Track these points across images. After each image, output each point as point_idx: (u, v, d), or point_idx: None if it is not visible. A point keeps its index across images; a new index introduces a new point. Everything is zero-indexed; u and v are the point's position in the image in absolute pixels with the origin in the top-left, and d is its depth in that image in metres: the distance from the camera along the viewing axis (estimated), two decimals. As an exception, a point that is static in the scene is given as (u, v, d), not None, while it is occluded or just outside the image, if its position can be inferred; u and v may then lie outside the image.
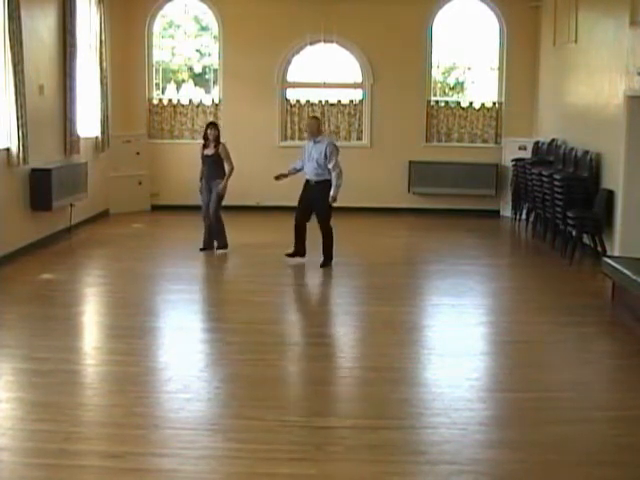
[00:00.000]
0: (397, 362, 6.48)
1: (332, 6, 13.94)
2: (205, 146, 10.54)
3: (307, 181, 9.81)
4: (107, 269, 10.23)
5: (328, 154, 9.59)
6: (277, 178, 10.08)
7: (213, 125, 10.63)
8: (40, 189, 10.43)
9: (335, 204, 9.64)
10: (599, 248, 10.06)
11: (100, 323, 7.92)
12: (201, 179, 10.61)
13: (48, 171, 10.53)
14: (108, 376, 6.16)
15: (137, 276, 9.53)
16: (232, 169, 10.43)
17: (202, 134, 14.44)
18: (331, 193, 9.56)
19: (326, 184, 9.62)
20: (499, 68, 14.48)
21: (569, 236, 10.55)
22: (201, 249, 10.47)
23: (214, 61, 14.77)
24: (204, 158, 10.52)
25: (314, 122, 10.03)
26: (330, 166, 9.59)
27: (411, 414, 5.40)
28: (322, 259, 9.75)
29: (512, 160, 13.59)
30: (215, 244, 10.48)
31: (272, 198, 12.85)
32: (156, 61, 14.71)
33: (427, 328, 7.83)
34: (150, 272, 9.77)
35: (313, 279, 9.43)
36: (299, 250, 9.86)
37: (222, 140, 10.58)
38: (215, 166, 10.43)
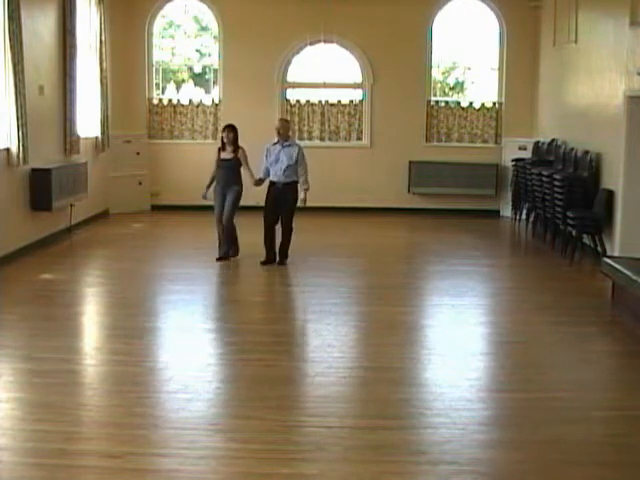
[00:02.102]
0: (397, 362, 6.48)
1: (332, 6, 13.94)
2: (222, 149, 10.07)
3: (273, 183, 9.81)
4: (107, 269, 10.24)
5: (300, 158, 9.73)
6: (258, 183, 9.94)
7: (230, 128, 10.05)
8: (40, 189, 10.43)
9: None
10: (599, 248, 10.06)
11: (100, 323, 7.92)
12: (210, 184, 10.12)
13: (48, 171, 10.53)
14: (108, 376, 6.16)
15: (137, 276, 9.53)
16: (252, 174, 9.99)
17: (202, 134, 14.67)
18: (301, 196, 9.75)
19: (294, 185, 9.79)
20: (499, 68, 14.48)
21: (569, 236, 10.55)
22: (218, 259, 9.96)
23: (214, 61, 14.78)
24: (220, 162, 10.01)
25: (287, 125, 10.13)
26: (301, 170, 9.74)
27: (411, 414, 5.40)
28: (279, 257, 9.81)
29: (512, 160, 13.60)
30: (219, 254, 9.99)
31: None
32: (156, 61, 14.73)
33: (427, 328, 7.83)
34: (150, 272, 9.77)
35: (312, 279, 9.43)
36: (271, 256, 9.82)
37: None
38: (233, 171, 9.98)
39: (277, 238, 9.88)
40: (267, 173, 9.92)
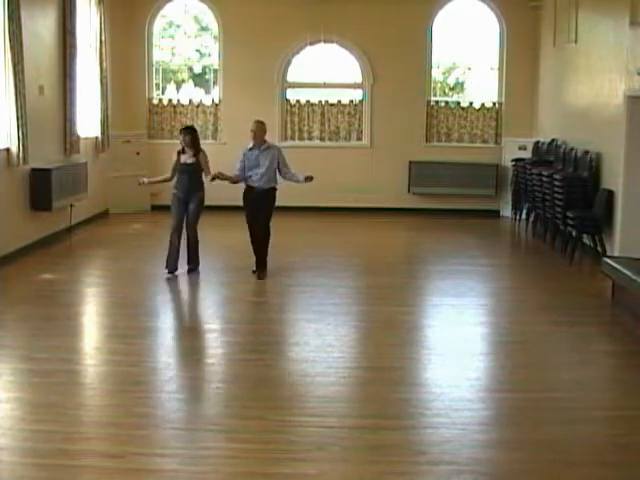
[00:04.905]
0: (397, 362, 6.48)
1: (332, 6, 13.95)
2: (182, 152, 9.40)
3: (251, 189, 9.31)
4: (107, 269, 10.24)
5: (282, 161, 9.29)
6: (215, 178, 9.22)
7: (186, 130, 9.45)
8: (40, 189, 10.44)
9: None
10: (599, 248, 10.06)
11: (100, 323, 7.93)
12: (159, 181, 9.75)
13: (48, 171, 10.53)
14: (108, 376, 6.16)
15: (137, 276, 9.53)
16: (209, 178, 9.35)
17: (202, 134, 14.56)
18: (307, 175, 9.25)
19: (273, 192, 9.35)
20: (499, 68, 14.48)
21: (569, 236, 10.55)
22: (170, 271, 9.19)
23: (214, 61, 14.78)
24: (181, 167, 9.34)
25: (263, 127, 9.34)
26: (287, 169, 9.31)
27: (411, 414, 5.40)
28: (257, 273, 9.29)
29: (512, 160, 13.60)
30: (187, 266, 9.36)
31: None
32: (156, 61, 14.73)
33: (427, 328, 7.84)
34: (150, 272, 9.75)
35: (312, 279, 9.43)
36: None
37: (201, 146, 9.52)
38: (195, 177, 9.32)
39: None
40: (239, 178, 9.40)
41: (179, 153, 9.45)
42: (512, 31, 14.21)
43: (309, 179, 9.31)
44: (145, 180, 9.65)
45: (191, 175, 9.36)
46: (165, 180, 9.65)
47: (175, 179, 9.48)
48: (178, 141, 9.62)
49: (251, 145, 9.35)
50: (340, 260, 10.51)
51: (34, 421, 5.16)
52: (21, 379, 6.03)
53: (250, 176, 9.33)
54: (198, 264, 9.49)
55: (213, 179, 9.26)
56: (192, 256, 9.44)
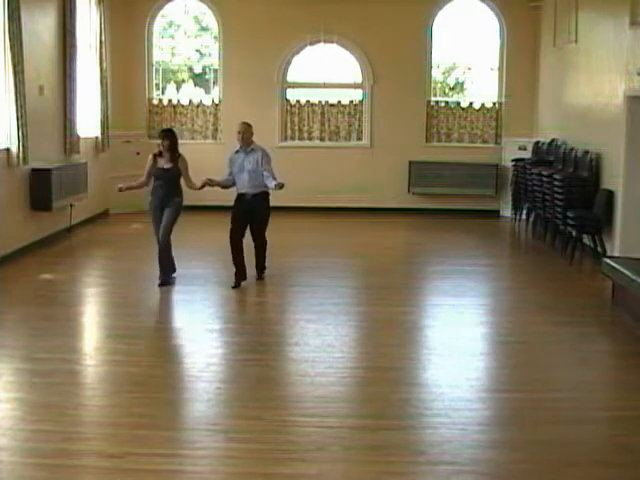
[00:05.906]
0: (397, 362, 6.48)
1: (332, 6, 13.95)
2: (159, 156, 8.82)
3: (241, 195, 8.98)
4: (107, 269, 10.24)
5: (263, 162, 8.84)
6: (205, 185, 8.92)
7: (166, 134, 8.84)
8: (40, 189, 10.44)
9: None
10: (599, 248, 10.06)
11: (100, 323, 7.92)
12: (133, 187, 9.02)
13: (48, 171, 10.54)
14: (108, 376, 6.16)
15: (137, 276, 9.52)
16: (193, 186, 8.93)
17: (202, 134, 14.66)
18: (279, 181, 8.65)
19: (264, 195, 8.97)
20: (499, 68, 14.49)
21: (569, 236, 10.55)
22: (160, 284, 8.78)
23: (214, 61, 14.79)
24: (159, 172, 8.78)
25: (250, 129, 8.97)
26: (267, 173, 8.79)
27: (411, 414, 5.40)
28: (256, 274, 9.11)
29: (512, 160, 13.60)
30: (160, 279, 8.75)
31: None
32: (156, 61, 14.74)
33: (427, 328, 7.83)
34: (150, 272, 9.73)
35: (312, 279, 9.43)
36: (242, 274, 8.88)
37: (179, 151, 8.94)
38: (173, 182, 8.77)
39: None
40: (229, 182, 9.11)
41: (155, 156, 8.86)
42: (512, 31, 14.22)
43: (279, 186, 8.68)
44: (123, 186, 8.99)
45: (167, 181, 8.78)
46: (141, 185, 9.00)
47: (151, 185, 8.94)
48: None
49: (237, 148, 9.06)
50: (340, 260, 10.51)
51: (34, 421, 5.16)
52: (21, 379, 6.03)
53: (238, 182, 9.03)
54: (169, 278, 8.84)
55: (202, 187, 8.96)
56: (162, 268, 8.79)
